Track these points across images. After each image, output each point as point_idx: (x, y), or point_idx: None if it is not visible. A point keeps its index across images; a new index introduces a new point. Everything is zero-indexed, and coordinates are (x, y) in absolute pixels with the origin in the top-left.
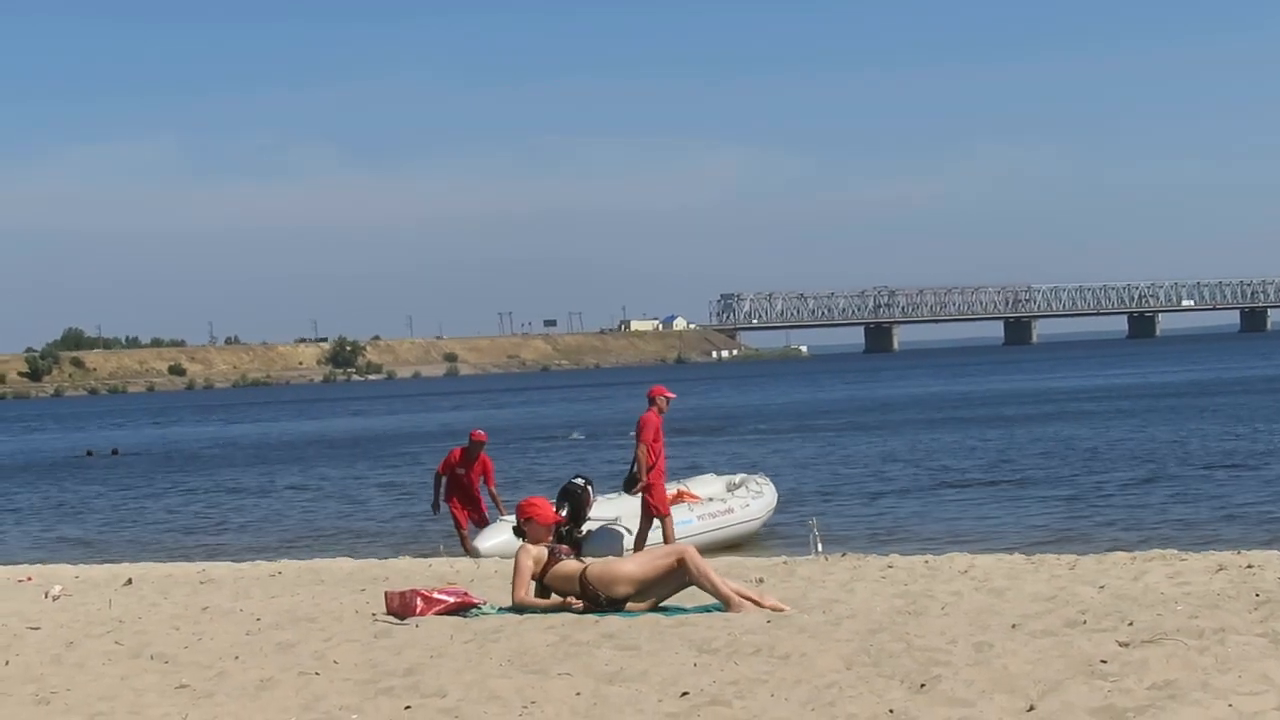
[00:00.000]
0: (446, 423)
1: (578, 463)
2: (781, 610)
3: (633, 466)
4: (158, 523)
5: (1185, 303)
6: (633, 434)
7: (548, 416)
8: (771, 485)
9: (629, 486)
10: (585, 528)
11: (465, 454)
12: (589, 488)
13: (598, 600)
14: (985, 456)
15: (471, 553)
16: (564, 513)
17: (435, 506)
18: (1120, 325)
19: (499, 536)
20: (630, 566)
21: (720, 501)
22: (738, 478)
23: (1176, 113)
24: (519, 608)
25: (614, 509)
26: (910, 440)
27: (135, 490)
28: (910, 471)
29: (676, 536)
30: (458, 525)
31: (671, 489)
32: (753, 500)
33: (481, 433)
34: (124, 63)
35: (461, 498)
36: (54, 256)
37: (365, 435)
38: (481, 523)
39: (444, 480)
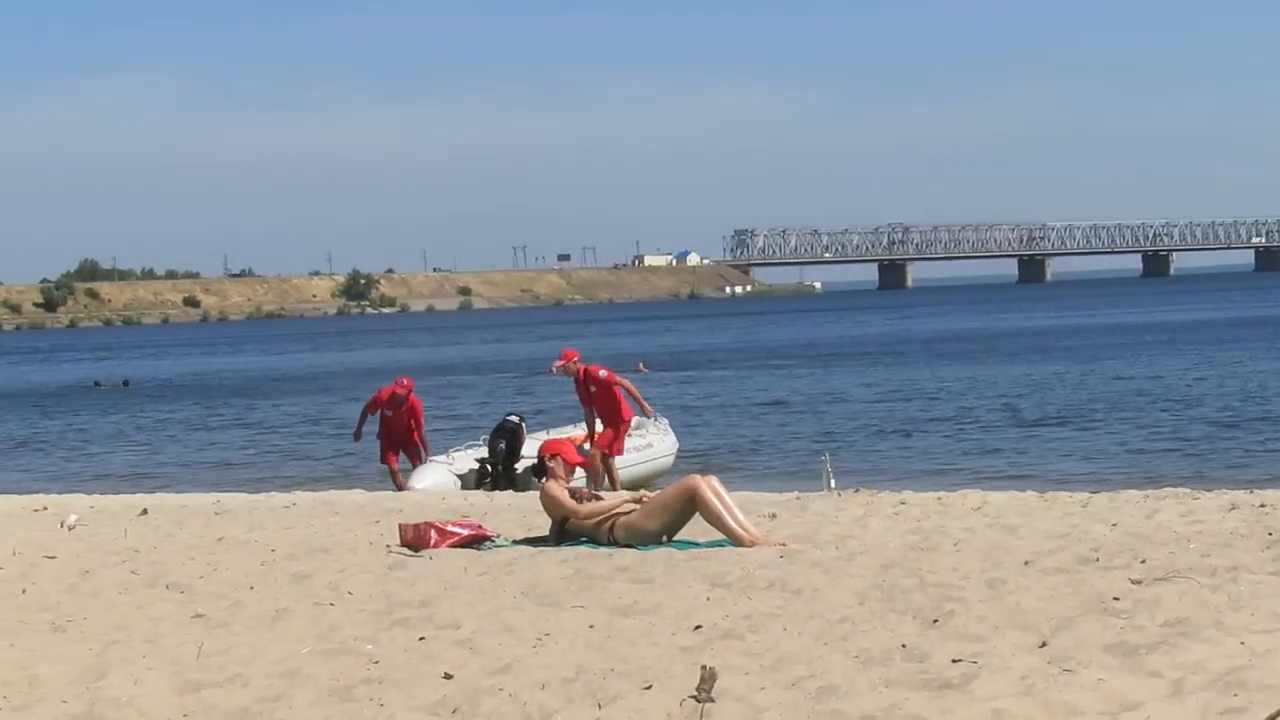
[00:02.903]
0: (474, 355)
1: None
2: (784, 545)
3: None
4: (169, 453)
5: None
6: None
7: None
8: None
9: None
10: (520, 465)
11: (392, 397)
12: (522, 424)
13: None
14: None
15: (401, 490)
16: (501, 448)
17: (356, 435)
18: (1134, 264)
19: (429, 478)
20: (655, 524)
21: (641, 437)
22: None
23: (1188, 51)
24: (582, 523)
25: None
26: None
27: (145, 421)
28: (933, 406)
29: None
30: (390, 466)
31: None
32: (665, 436)
33: (408, 380)
34: None
35: (388, 439)
36: (70, 187)
37: (385, 368)
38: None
39: (369, 417)
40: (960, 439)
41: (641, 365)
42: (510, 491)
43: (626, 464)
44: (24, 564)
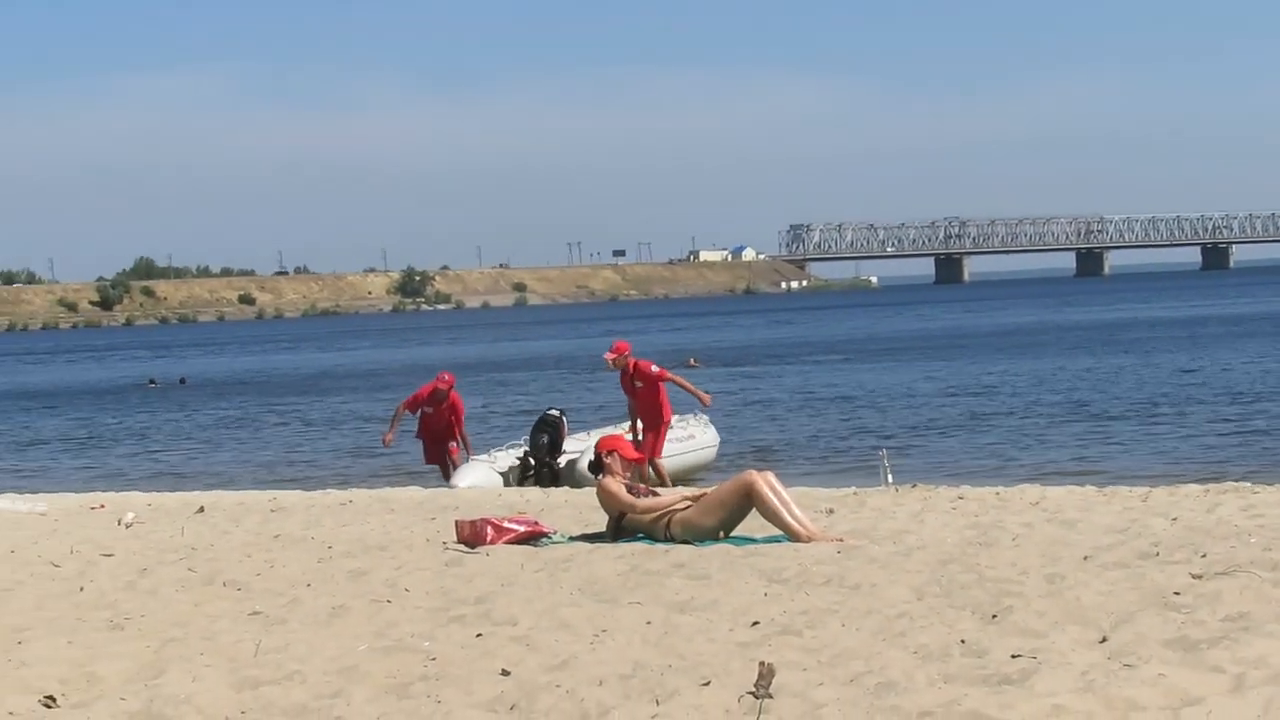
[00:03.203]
0: (532, 351)
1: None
2: (841, 540)
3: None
4: (226, 451)
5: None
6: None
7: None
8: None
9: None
10: (562, 459)
11: (434, 394)
12: (563, 418)
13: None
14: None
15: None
16: (543, 441)
17: (387, 439)
18: (1193, 257)
19: (471, 477)
20: (713, 520)
21: (683, 428)
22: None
23: (1246, 40)
24: (624, 525)
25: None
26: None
27: (202, 419)
28: (995, 401)
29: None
30: (436, 462)
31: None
32: (707, 429)
33: (449, 376)
34: None
35: (429, 438)
36: (126, 186)
37: (441, 364)
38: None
39: (408, 416)
40: (1019, 434)
41: (692, 360)
42: (566, 488)
43: (667, 454)
44: (82, 562)
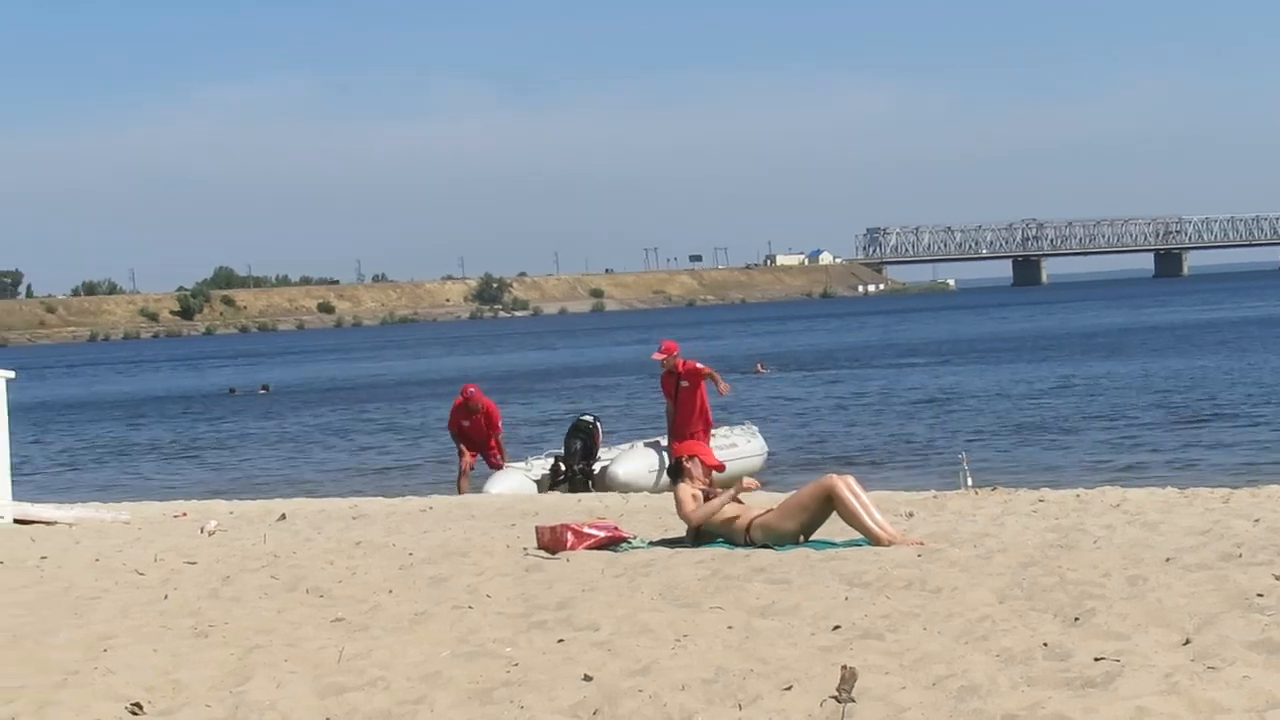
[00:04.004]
0: (617, 357)
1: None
2: (921, 544)
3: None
4: (307, 458)
5: None
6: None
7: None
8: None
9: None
10: (597, 466)
11: (465, 406)
12: (598, 424)
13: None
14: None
15: (462, 492)
16: (577, 447)
17: (463, 469)
18: (1273, 257)
19: (505, 484)
20: (793, 524)
21: (725, 437)
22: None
23: None
24: (702, 529)
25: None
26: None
27: (283, 427)
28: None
29: None
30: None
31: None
32: (752, 439)
33: (472, 387)
34: (274, 2)
35: (474, 447)
36: (205, 197)
37: (523, 370)
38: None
39: (455, 434)
40: (1101, 435)
41: (760, 366)
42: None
43: None
44: (165, 570)
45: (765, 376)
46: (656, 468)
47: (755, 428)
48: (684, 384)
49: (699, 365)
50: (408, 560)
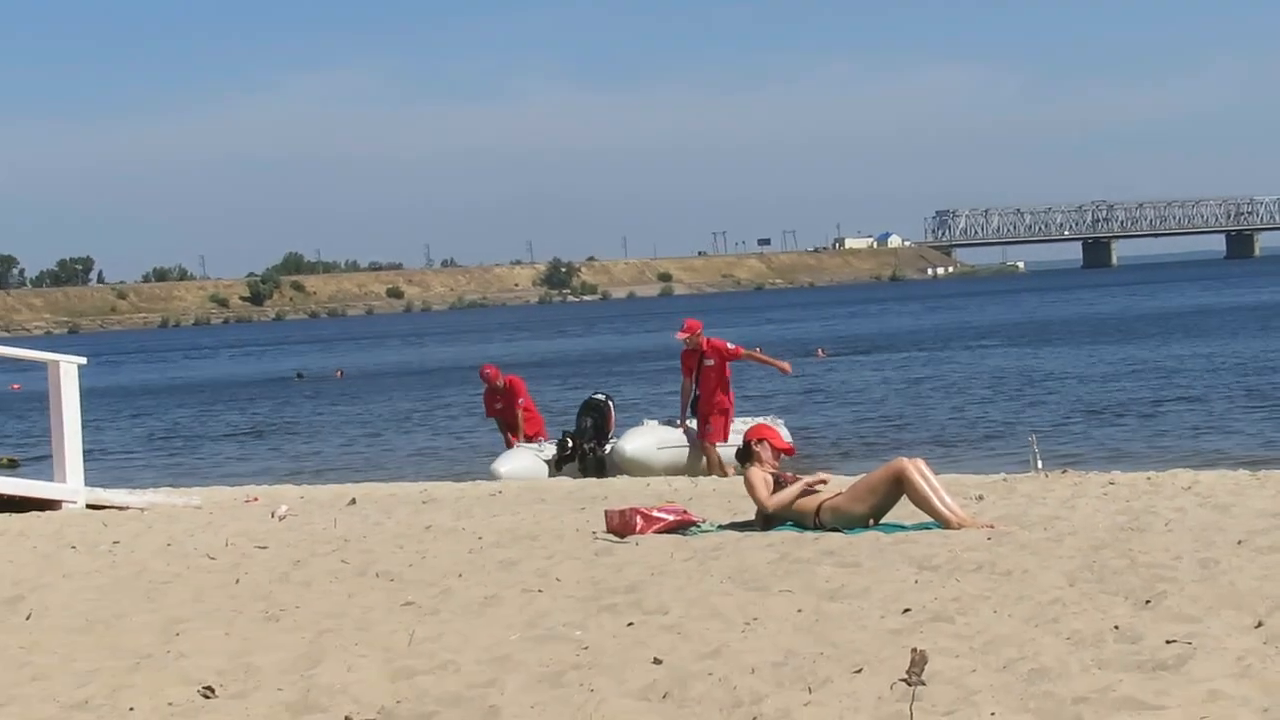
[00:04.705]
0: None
1: (841, 381)
2: (991, 527)
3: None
4: (377, 443)
5: None
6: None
7: (784, 334)
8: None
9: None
10: (607, 446)
11: (491, 390)
12: (609, 402)
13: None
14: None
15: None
16: (588, 425)
17: (508, 444)
18: None
19: (514, 463)
20: (863, 507)
21: (745, 424)
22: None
23: None
24: (772, 514)
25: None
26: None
27: (353, 411)
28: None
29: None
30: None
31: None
32: (779, 430)
33: (490, 369)
34: None
35: (502, 427)
36: (275, 182)
37: (591, 355)
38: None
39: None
40: (1170, 418)
41: (820, 351)
42: (714, 477)
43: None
44: (236, 555)
45: (824, 361)
46: (667, 445)
47: (781, 420)
48: (708, 362)
49: (729, 344)
50: (477, 544)
